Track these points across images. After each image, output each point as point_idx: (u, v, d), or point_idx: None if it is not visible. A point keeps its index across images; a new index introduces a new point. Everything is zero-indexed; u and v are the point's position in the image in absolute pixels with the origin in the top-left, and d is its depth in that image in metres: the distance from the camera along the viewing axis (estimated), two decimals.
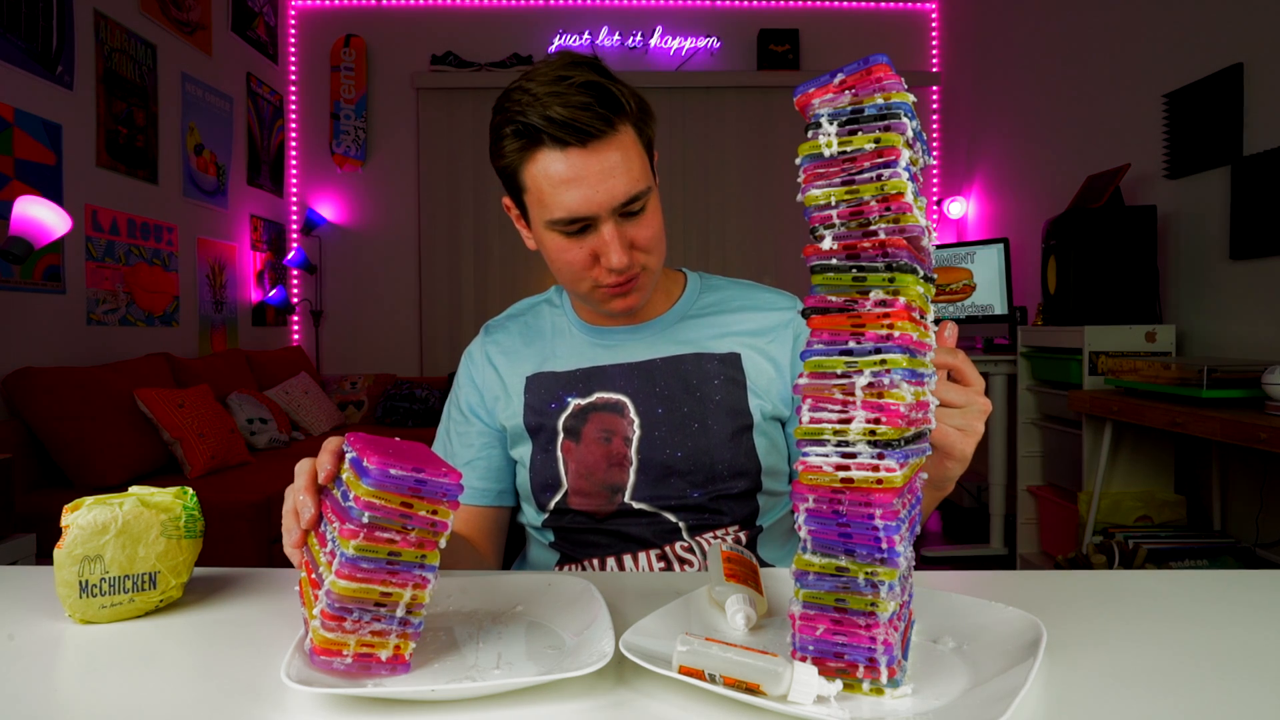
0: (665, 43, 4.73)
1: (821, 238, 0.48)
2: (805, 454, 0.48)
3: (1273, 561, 2.23)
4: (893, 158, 0.46)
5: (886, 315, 0.47)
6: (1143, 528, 2.47)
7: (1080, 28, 3.28)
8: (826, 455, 0.48)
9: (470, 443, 0.97)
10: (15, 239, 2.14)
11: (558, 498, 0.92)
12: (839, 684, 0.48)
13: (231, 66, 4.05)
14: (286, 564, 0.78)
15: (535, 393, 0.94)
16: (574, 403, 0.92)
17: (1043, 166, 3.61)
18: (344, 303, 4.75)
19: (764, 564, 0.92)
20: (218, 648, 0.60)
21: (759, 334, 0.94)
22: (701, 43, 4.74)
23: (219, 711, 0.49)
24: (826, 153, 0.47)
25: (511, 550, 1.04)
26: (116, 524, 0.64)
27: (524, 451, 0.94)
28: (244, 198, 4.19)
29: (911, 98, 0.47)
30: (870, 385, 0.47)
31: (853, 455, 0.47)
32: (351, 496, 0.52)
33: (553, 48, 4.69)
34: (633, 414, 0.91)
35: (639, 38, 4.72)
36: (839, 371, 0.48)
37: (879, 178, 0.46)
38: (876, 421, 0.46)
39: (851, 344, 0.48)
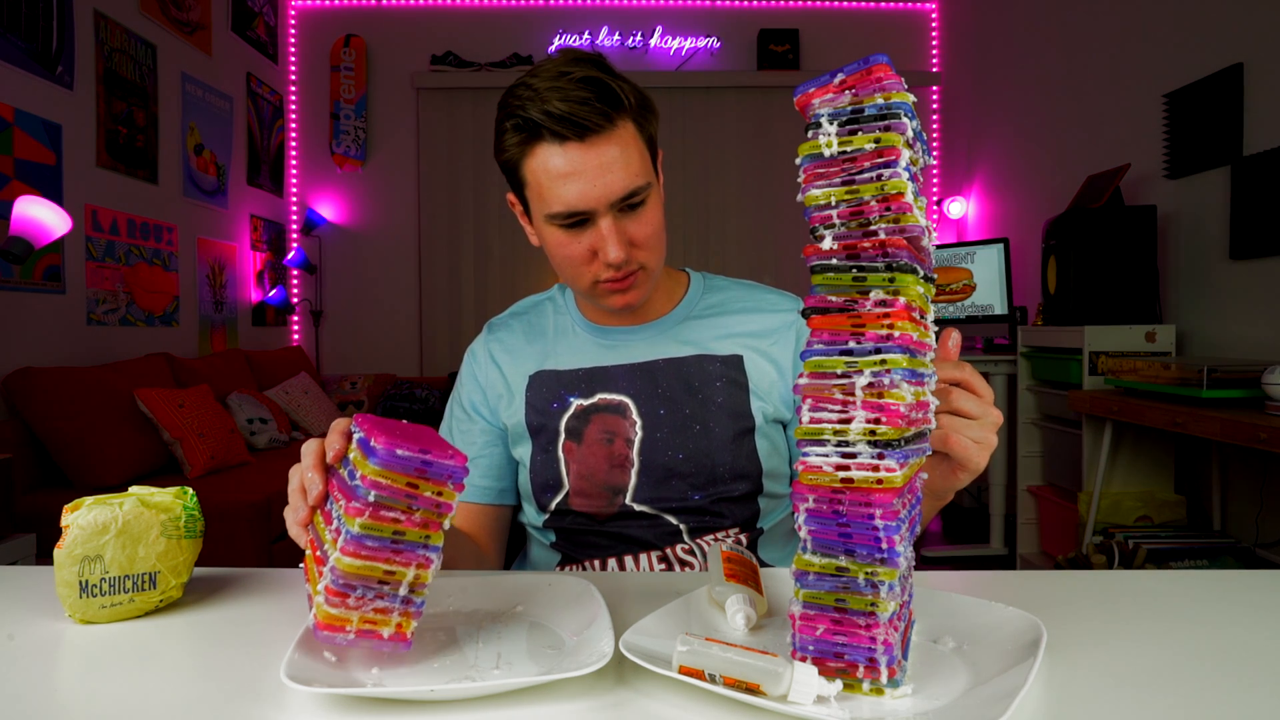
0: (665, 43, 4.73)
1: (821, 238, 0.48)
2: (805, 454, 0.48)
3: (1273, 561, 2.23)
4: (893, 158, 0.46)
5: (887, 315, 0.47)
6: (1143, 528, 2.47)
7: (1080, 28, 3.28)
8: (826, 455, 0.48)
9: (473, 440, 0.97)
10: (15, 239, 2.14)
11: (559, 498, 0.92)
12: (839, 684, 0.48)
13: (231, 66, 4.05)
14: (286, 564, 0.77)
15: (537, 391, 0.94)
16: (576, 403, 0.92)
17: (1043, 166, 3.61)
18: (344, 303, 4.75)
19: (764, 565, 0.92)
20: (218, 648, 0.60)
21: (761, 335, 0.94)
22: (701, 43, 4.74)
23: (219, 711, 0.49)
24: (826, 153, 0.47)
25: (512, 550, 1.04)
26: (116, 524, 0.64)
27: (524, 451, 0.94)
28: (244, 198, 4.19)
29: (911, 98, 0.47)
30: (870, 385, 0.47)
31: (853, 455, 0.47)
32: (358, 475, 0.52)
33: (553, 48, 4.69)
34: (635, 415, 0.91)
35: (639, 38, 4.72)
36: (839, 371, 0.48)
37: (879, 178, 0.46)
38: (877, 421, 0.46)
39: (851, 344, 0.48)
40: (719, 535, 0.91)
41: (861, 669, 0.48)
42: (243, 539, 2.42)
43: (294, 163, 4.75)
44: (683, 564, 0.90)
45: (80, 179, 2.90)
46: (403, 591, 0.53)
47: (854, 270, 0.48)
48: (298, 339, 4.77)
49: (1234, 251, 2.38)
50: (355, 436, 0.56)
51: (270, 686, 0.52)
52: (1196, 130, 2.55)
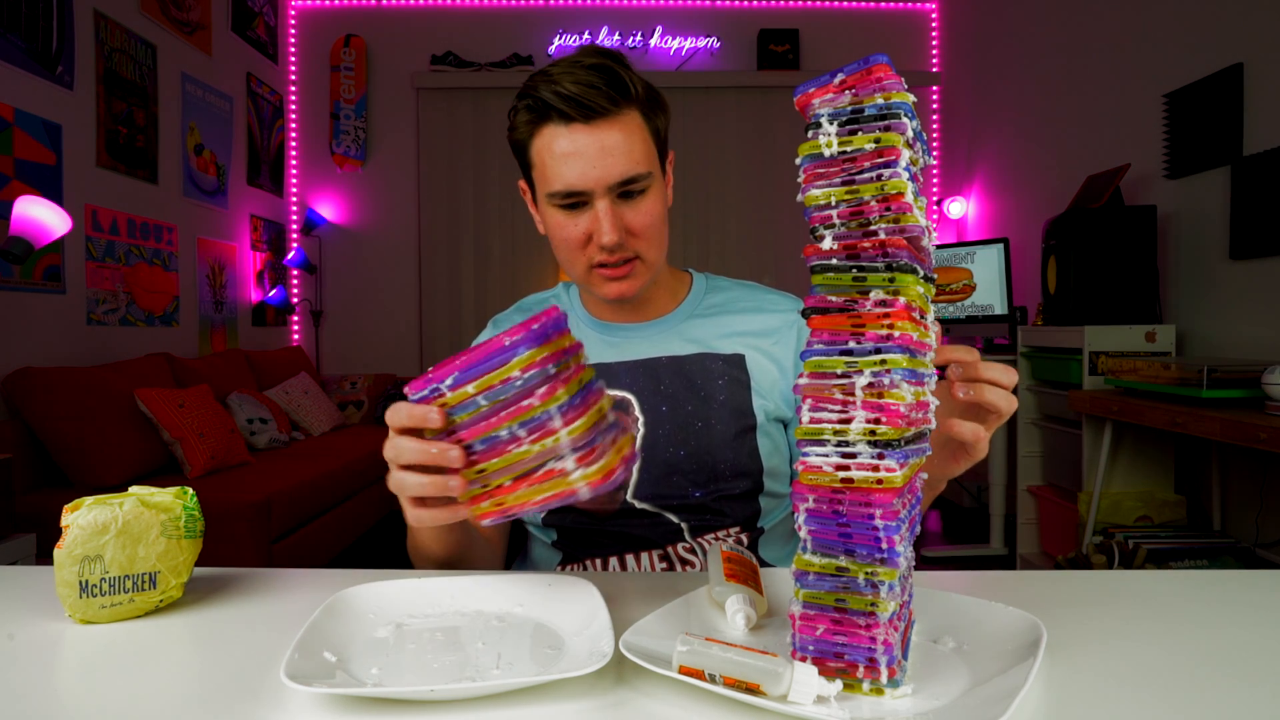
0: (665, 43, 4.73)
1: (821, 238, 0.48)
2: (805, 454, 0.48)
3: (1273, 561, 2.23)
4: (893, 158, 0.46)
5: (887, 315, 0.47)
6: (1143, 528, 2.47)
7: (1080, 28, 3.28)
8: (826, 455, 0.48)
9: None
10: (15, 239, 2.14)
11: None
12: (839, 684, 0.48)
13: (231, 66, 4.05)
14: (286, 564, 0.77)
15: None
16: None
17: (1043, 166, 3.61)
18: (344, 303, 4.75)
19: (765, 565, 0.92)
20: (218, 648, 0.60)
21: (763, 335, 0.95)
22: (701, 43, 4.74)
23: (219, 711, 0.49)
24: (826, 153, 0.47)
25: (512, 550, 1.04)
26: (116, 524, 0.64)
27: None
28: (244, 198, 4.19)
29: (911, 98, 0.47)
30: (870, 385, 0.47)
31: (853, 455, 0.47)
32: (518, 371, 0.53)
33: (553, 48, 4.70)
34: (637, 411, 0.91)
35: (639, 38, 4.72)
36: (839, 371, 0.48)
37: (879, 178, 0.46)
38: (876, 422, 0.46)
39: (851, 344, 0.48)
40: (720, 534, 0.91)
41: (861, 669, 0.48)
42: (243, 539, 2.42)
43: (294, 163, 4.75)
44: (684, 563, 0.90)
45: (80, 179, 2.90)
46: (611, 419, 0.57)
47: (854, 270, 0.48)
48: (298, 339, 4.77)
49: (1234, 251, 2.38)
50: (453, 377, 0.54)
51: (270, 686, 0.52)
52: (1196, 130, 2.55)
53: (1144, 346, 2.55)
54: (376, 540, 3.54)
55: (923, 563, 3.18)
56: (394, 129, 4.74)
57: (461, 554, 0.81)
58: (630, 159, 0.82)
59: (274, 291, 4.37)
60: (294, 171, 4.75)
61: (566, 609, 0.64)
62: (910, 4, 4.79)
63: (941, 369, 0.57)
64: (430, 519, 0.59)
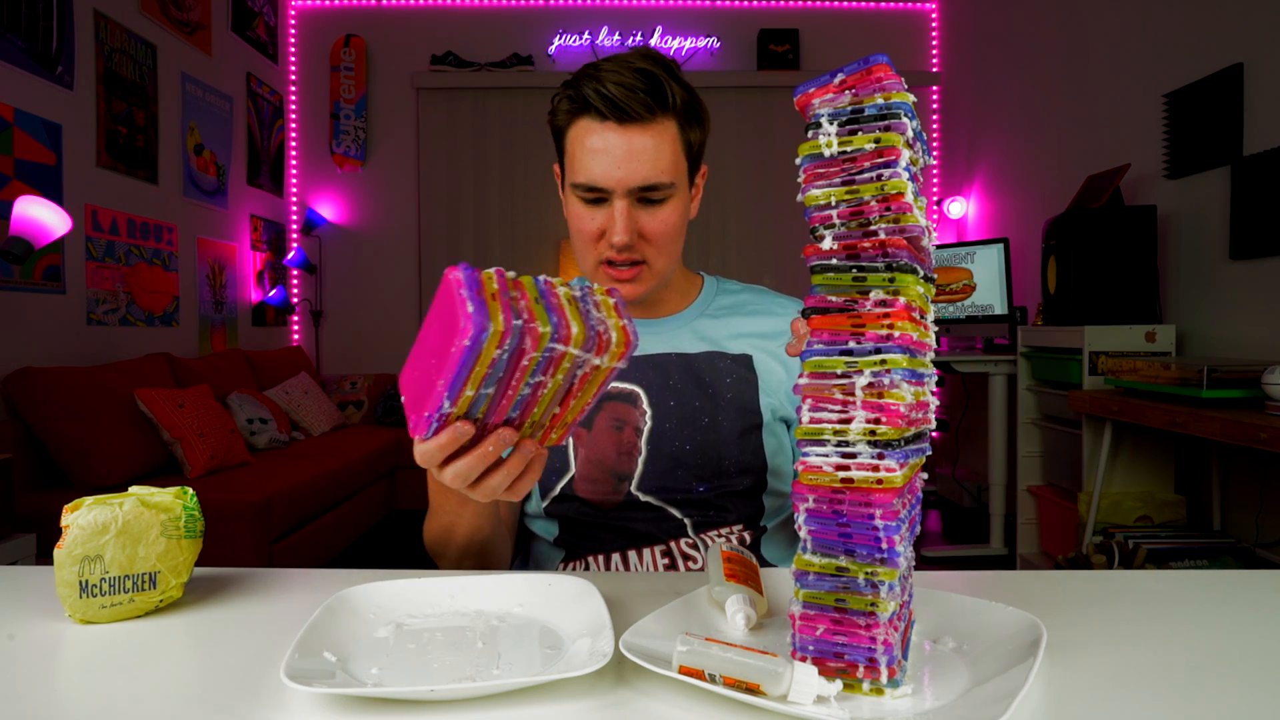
0: (665, 43, 4.73)
1: (821, 238, 0.48)
2: (805, 454, 0.48)
3: (1273, 561, 2.23)
4: (893, 158, 0.46)
5: (887, 315, 0.47)
6: (1143, 528, 2.47)
7: (1080, 28, 3.28)
8: (826, 455, 0.48)
9: None
10: (15, 239, 2.14)
11: (564, 482, 0.92)
12: (839, 684, 0.48)
13: (231, 66, 4.05)
14: (286, 564, 0.77)
15: None
16: None
17: (1043, 166, 3.61)
18: (344, 303, 4.75)
19: (766, 564, 0.92)
20: (218, 648, 0.60)
21: (771, 337, 0.98)
22: (701, 43, 4.74)
23: (219, 711, 0.49)
24: (826, 153, 0.47)
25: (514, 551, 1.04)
26: (116, 524, 0.64)
27: None
28: (244, 198, 4.19)
29: (911, 98, 0.47)
30: (870, 385, 0.47)
31: (853, 455, 0.47)
32: (498, 351, 0.48)
33: (553, 48, 4.70)
34: (645, 405, 0.93)
35: (639, 38, 4.72)
36: (839, 372, 0.48)
37: (879, 178, 0.46)
38: (876, 422, 0.46)
39: (851, 344, 0.48)
40: (722, 531, 0.92)
41: (861, 669, 0.48)
42: (243, 539, 2.42)
43: (294, 163, 4.75)
44: (686, 559, 0.90)
45: (80, 179, 2.90)
46: (578, 292, 0.53)
47: (854, 270, 0.48)
48: (298, 339, 4.77)
49: (1234, 251, 2.38)
50: (446, 400, 0.51)
51: (270, 686, 0.51)
52: (1196, 130, 2.55)
53: (1144, 346, 2.55)
54: (376, 540, 3.54)
55: (923, 563, 3.18)
56: (394, 129, 4.74)
57: (489, 532, 0.82)
58: (655, 167, 0.84)
59: (274, 291, 4.36)
60: (294, 171, 4.75)
61: (567, 609, 0.64)
62: (910, 4, 4.79)
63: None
64: (504, 477, 0.58)
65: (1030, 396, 3.09)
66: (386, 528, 3.74)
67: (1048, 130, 3.55)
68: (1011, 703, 0.44)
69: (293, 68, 4.72)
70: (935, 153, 4.84)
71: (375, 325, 4.75)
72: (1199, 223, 2.56)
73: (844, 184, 0.47)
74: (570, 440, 0.93)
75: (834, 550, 0.48)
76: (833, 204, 0.47)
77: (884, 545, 0.47)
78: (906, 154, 0.47)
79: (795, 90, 0.49)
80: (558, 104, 0.88)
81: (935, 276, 0.55)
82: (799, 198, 0.49)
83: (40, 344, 2.67)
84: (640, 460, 0.92)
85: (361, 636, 0.60)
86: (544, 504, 0.94)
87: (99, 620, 0.64)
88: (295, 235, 4.73)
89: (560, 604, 0.65)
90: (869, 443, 0.47)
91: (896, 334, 0.46)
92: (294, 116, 4.73)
